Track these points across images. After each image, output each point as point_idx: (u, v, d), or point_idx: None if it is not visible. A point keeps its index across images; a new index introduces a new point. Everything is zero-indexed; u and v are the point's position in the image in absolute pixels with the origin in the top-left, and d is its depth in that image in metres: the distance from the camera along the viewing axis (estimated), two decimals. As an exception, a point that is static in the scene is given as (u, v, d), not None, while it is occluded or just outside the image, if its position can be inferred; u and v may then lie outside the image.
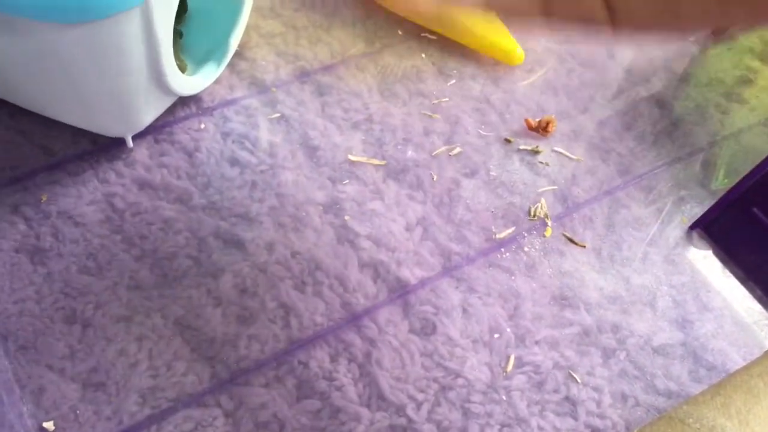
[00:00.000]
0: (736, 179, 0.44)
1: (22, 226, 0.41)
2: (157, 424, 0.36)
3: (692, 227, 0.47)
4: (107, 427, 0.35)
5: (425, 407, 0.38)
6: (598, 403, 0.39)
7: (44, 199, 0.43)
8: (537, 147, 0.50)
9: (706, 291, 0.44)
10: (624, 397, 0.39)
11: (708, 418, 0.33)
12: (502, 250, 0.44)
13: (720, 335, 0.43)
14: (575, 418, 0.38)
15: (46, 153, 0.45)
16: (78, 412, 0.36)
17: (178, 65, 0.44)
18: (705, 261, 0.46)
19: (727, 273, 0.46)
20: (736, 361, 0.42)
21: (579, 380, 0.40)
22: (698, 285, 0.45)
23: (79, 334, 0.38)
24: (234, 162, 0.46)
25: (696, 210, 0.48)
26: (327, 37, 0.54)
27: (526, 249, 0.44)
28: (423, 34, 0.56)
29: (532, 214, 0.46)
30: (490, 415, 0.38)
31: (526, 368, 0.40)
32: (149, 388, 0.37)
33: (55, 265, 0.40)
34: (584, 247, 0.45)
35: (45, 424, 0.35)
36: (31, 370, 0.37)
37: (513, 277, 0.43)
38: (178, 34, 0.48)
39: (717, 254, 0.46)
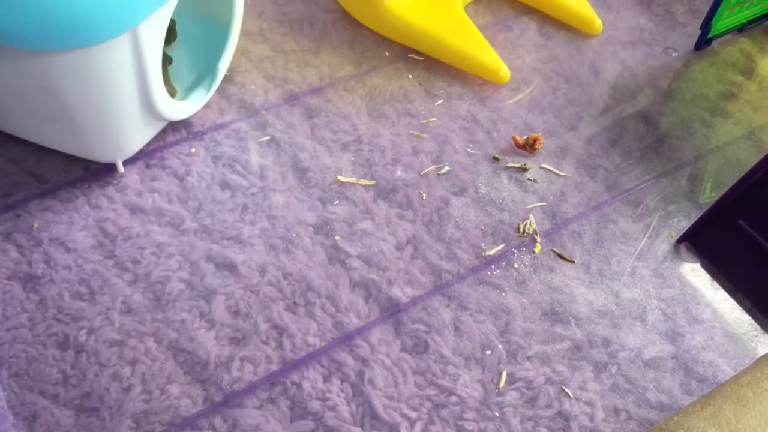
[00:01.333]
0: (723, 192, 0.45)
1: (14, 254, 0.41)
2: (151, 448, 0.36)
3: (680, 241, 0.48)
4: (101, 453, 0.35)
5: (419, 425, 0.38)
6: (591, 418, 0.39)
7: (36, 226, 0.43)
8: (525, 164, 0.50)
9: (695, 303, 0.45)
10: (616, 411, 0.40)
11: (698, 428, 0.33)
12: (492, 267, 0.45)
13: (710, 347, 0.43)
14: (568, 433, 0.39)
15: (38, 180, 0.45)
16: (71, 438, 0.36)
17: (168, 90, 0.45)
18: (693, 274, 0.46)
19: (716, 285, 0.46)
20: (727, 372, 0.42)
21: (571, 395, 0.40)
22: (687, 298, 0.45)
23: (72, 359, 0.38)
24: (225, 185, 0.46)
25: (683, 223, 0.49)
26: (315, 60, 0.55)
27: (516, 265, 0.45)
28: (410, 55, 0.56)
29: (521, 230, 0.46)
30: None
31: (519, 384, 0.40)
32: (143, 412, 0.37)
33: (47, 291, 0.40)
34: (573, 262, 0.46)
35: (38, 451, 0.35)
36: (24, 396, 0.37)
37: (503, 294, 0.43)
38: (167, 60, 0.49)
39: (705, 267, 0.47)
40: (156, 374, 0.38)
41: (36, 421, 0.36)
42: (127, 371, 0.38)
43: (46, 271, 0.41)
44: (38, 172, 0.45)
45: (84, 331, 0.39)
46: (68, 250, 0.42)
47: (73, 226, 0.43)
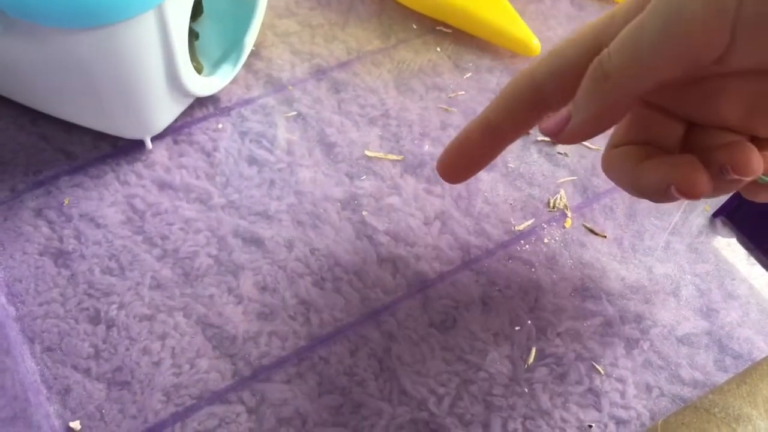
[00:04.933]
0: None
1: (45, 230, 0.42)
2: (181, 421, 0.36)
3: (715, 215, 0.46)
4: (133, 426, 0.36)
5: (447, 401, 0.38)
6: (622, 394, 0.39)
7: (67, 202, 0.43)
8: (555, 138, 0.49)
9: (730, 279, 0.44)
10: (648, 388, 0.39)
11: (734, 407, 0.32)
12: (522, 242, 0.44)
13: (746, 323, 0.42)
14: (599, 410, 0.38)
15: (68, 157, 0.45)
16: (104, 411, 0.36)
17: (194, 66, 0.45)
18: (729, 249, 0.45)
19: (752, 260, 0.45)
20: (762, 349, 0.41)
21: (602, 371, 0.39)
22: (722, 273, 0.44)
23: (103, 334, 0.39)
24: (252, 161, 0.46)
25: (719, 197, 0.47)
26: (342, 34, 0.54)
27: (545, 241, 0.44)
28: (438, 28, 0.56)
29: (551, 205, 0.46)
30: (512, 407, 0.38)
31: (548, 360, 0.40)
32: (173, 386, 0.37)
33: (78, 266, 0.41)
34: (605, 237, 0.45)
35: (72, 424, 0.36)
36: (57, 371, 0.37)
37: (533, 269, 0.43)
38: (193, 36, 0.49)
39: (741, 241, 0.46)
40: (185, 348, 0.38)
41: (69, 394, 0.37)
42: (157, 345, 0.38)
43: (77, 246, 0.41)
44: (68, 148, 0.46)
45: (114, 306, 0.39)
46: (98, 225, 0.42)
47: (103, 202, 0.43)
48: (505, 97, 0.33)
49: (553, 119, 0.31)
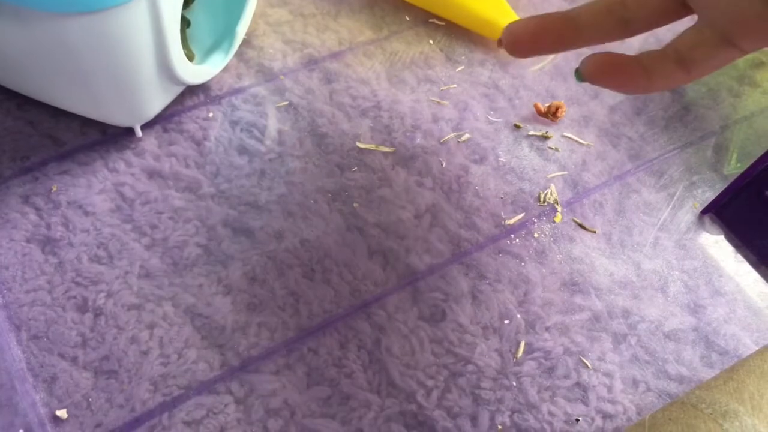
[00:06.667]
0: (749, 163, 0.44)
1: (33, 216, 0.42)
2: (168, 411, 0.36)
3: (704, 212, 0.47)
4: (120, 415, 0.36)
5: (435, 393, 0.38)
6: (609, 389, 0.39)
7: (54, 189, 0.43)
8: (546, 132, 0.49)
9: (718, 276, 0.44)
10: (635, 383, 0.39)
11: (721, 402, 0.33)
12: (512, 236, 0.44)
13: (732, 320, 0.42)
14: (586, 404, 0.38)
15: (56, 143, 0.45)
16: (90, 400, 0.36)
17: (185, 54, 0.44)
18: (717, 246, 0.46)
19: (740, 258, 0.45)
20: (749, 345, 0.41)
21: (590, 366, 0.40)
22: (710, 270, 0.44)
23: (90, 322, 0.38)
24: (242, 150, 0.46)
25: (708, 194, 0.48)
26: (334, 24, 0.54)
27: (535, 235, 0.44)
28: (430, 20, 0.55)
29: (541, 200, 0.46)
30: (500, 401, 0.38)
31: (537, 354, 0.40)
32: (161, 376, 0.37)
33: (66, 254, 0.40)
34: (594, 232, 0.45)
35: (58, 413, 0.35)
36: (43, 359, 0.37)
37: (523, 264, 0.43)
38: (185, 23, 0.48)
39: (729, 239, 0.46)
40: (174, 338, 0.38)
41: (55, 383, 0.36)
42: (145, 335, 0.38)
43: (65, 234, 0.41)
44: (56, 135, 0.45)
45: (102, 295, 0.39)
46: (86, 213, 0.42)
47: (91, 189, 0.43)
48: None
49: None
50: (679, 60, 0.32)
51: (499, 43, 0.37)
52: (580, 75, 0.34)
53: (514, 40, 0.35)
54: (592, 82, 0.34)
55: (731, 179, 0.45)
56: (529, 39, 0.35)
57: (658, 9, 0.32)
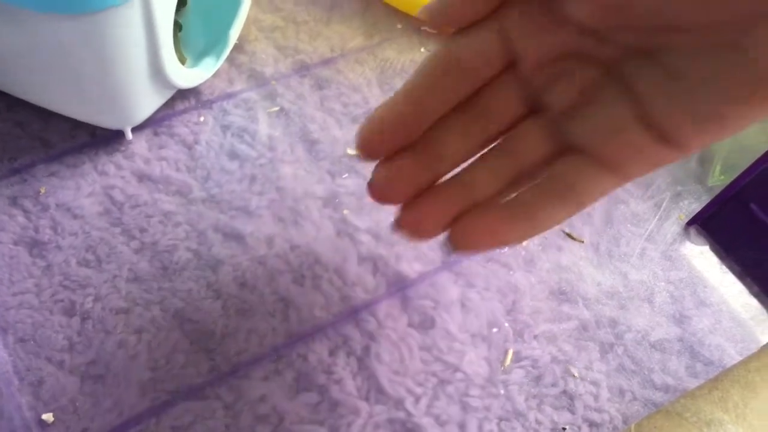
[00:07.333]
0: (733, 175, 0.44)
1: (20, 219, 0.41)
2: (156, 416, 0.36)
3: (690, 223, 0.47)
4: (107, 420, 0.35)
5: (424, 401, 0.38)
6: (596, 397, 0.39)
7: (43, 191, 0.42)
8: (536, 142, 0.50)
9: (703, 287, 0.45)
10: (621, 392, 0.40)
11: (705, 411, 0.33)
12: (501, 244, 0.44)
13: (717, 331, 0.43)
14: (573, 412, 0.39)
15: (45, 145, 0.45)
16: (77, 404, 0.36)
17: (177, 58, 0.44)
18: (702, 257, 0.46)
19: (725, 269, 0.46)
20: (733, 356, 0.42)
21: (577, 374, 0.40)
22: (695, 281, 0.45)
23: (78, 326, 0.38)
24: (233, 155, 0.46)
25: (693, 206, 0.48)
26: (326, 30, 0.54)
27: (524, 244, 0.45)
28: (423, 28, 0.56)
29: (530, 209, 0.46)
30: (488, 408, 0.38)
31: (525, 362, 0.40)
32: (149, 380, 0.37)
33: (54, 257, 0.40)
34: (582, 242, 0.45)
35: (44, 416, 0.35)
36: (30, 362, 0.37)
37: (511, 272, 0.43)
38: (177, 27, 0.48)
39: (714, 250, 0.47)
40: (162, 343, 0.38)
41: (41, 386, 0.36)
42: (133, 339, 0.38)
43: (53, 237, 0.41)
44: (45, 136, 0.45)
45: (90, 298, 0.39)
46: (75, 216, 0.42)
47: (80, 192, 0.43)
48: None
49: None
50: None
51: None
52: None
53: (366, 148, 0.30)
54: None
55: (716, 191, 0.46)
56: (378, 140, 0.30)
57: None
